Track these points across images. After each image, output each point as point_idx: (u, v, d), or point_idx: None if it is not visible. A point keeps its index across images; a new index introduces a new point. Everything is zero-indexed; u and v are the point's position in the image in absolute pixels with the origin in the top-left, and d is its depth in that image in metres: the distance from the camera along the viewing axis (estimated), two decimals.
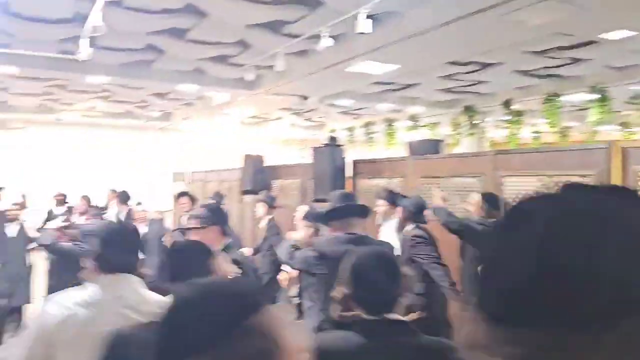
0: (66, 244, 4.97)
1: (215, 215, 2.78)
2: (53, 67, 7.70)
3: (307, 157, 7.09)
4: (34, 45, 6.92)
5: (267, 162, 8.07)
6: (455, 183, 5.20)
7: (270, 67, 7.36)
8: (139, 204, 6.86)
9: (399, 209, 4.15)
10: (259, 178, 7.83)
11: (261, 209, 5.79)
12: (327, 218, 2.96)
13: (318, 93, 9.80)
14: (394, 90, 10.34)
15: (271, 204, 5.81)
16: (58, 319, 1.74)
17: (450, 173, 5.25)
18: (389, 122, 13.39)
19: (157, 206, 7.95)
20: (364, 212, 3.08)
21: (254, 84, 8.58)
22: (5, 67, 7.77)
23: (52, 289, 4.97)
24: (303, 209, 4.41)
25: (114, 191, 9.16)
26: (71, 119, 13.32)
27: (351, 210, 2.97)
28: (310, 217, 3.80)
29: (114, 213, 7.78)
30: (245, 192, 7.97)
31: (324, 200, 6.09)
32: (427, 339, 1.68)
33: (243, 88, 8.99)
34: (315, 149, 6.41)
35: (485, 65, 8.34)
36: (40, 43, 6.91)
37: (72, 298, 1.81)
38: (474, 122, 11.45)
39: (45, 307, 1.80)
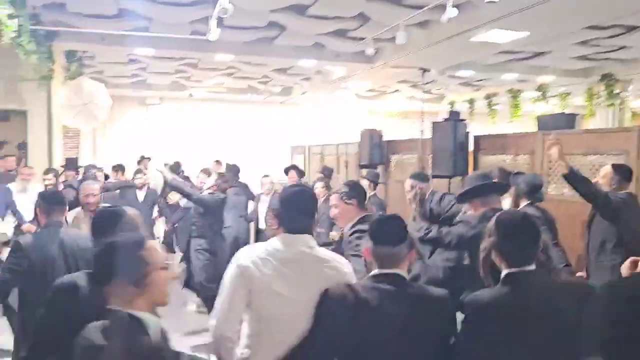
0: (207, 197, 5.46)
1: (356, 191, 3.05)
2: (185, 47, 8.24)
3: (426, 132, 6.92)
4: (168, 28, 7.44)
5: (385, 137, 8.00)
6: (591, 161, 4.76)
7: (390, 39, 7.23)
8: (266, 176, 7.18)
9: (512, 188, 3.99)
10: (376, 152, 7.81)
11: (365, 185, 5.93)
12: (470, 196, 3.07)
13: (439, 65, 9.45)
14: (521, 59, 9.66)
15: (374, 181, 5.97)
16: (250, 266, 2.01)
17: (586, 150, 4.81)
18: (514, 93, 12.58)
19: (279, 178, 8.28)
20: (502, 188, 3.28)
21: (372, 57, 8.49)
22: (144, 49, 8.46)
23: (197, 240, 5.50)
24: (409, 183, 4.57)
25: (218, 162, 9.68)
26: (201, 95, 14.22)
27: (492, 187, 3.10)
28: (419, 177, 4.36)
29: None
30: (363, 167, 8.00)
31: (442, 177, 5.94)
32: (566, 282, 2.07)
33: (362, 62, 8.94)
34: (435, 124, 6.21)
35: (631, 29, 7.46)
36: (174, 25, 7.40)
37: (259, 250, 2.09)
38: (613, 91, 10.37)
39: (237, 256, 2.07)
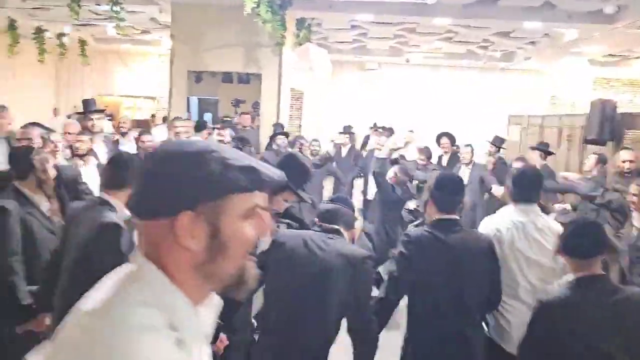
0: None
1: None
2: (404, 11, 8.28)
3: None
4: None
5: (621, 109, 7.00)
6: None
7: None
8: (468, 145, 6.93)
9: None
10: (608, 127, 6.88)
11: (535, 156, 6.21)
12: None
13: None
14: None
15: (545, 151, 6.30)
16: (499, 233, 2.84)
17: None
18: None
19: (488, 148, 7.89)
20: None
21: (614, 17, 7.41)
22: (364, 15, 8.77)
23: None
24: (594, 157, 5.00)
25: (411, 131, 9.43)
26: (417, 60, 14.20)
27: None
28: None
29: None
30: (589, 142, 7.16)
31: None
32: None
33: (600, 22, 7.87)
34: None
35: None
36: None
37: (500, 219, 2.93)
38: None
39: (485, 223, 2.97)
